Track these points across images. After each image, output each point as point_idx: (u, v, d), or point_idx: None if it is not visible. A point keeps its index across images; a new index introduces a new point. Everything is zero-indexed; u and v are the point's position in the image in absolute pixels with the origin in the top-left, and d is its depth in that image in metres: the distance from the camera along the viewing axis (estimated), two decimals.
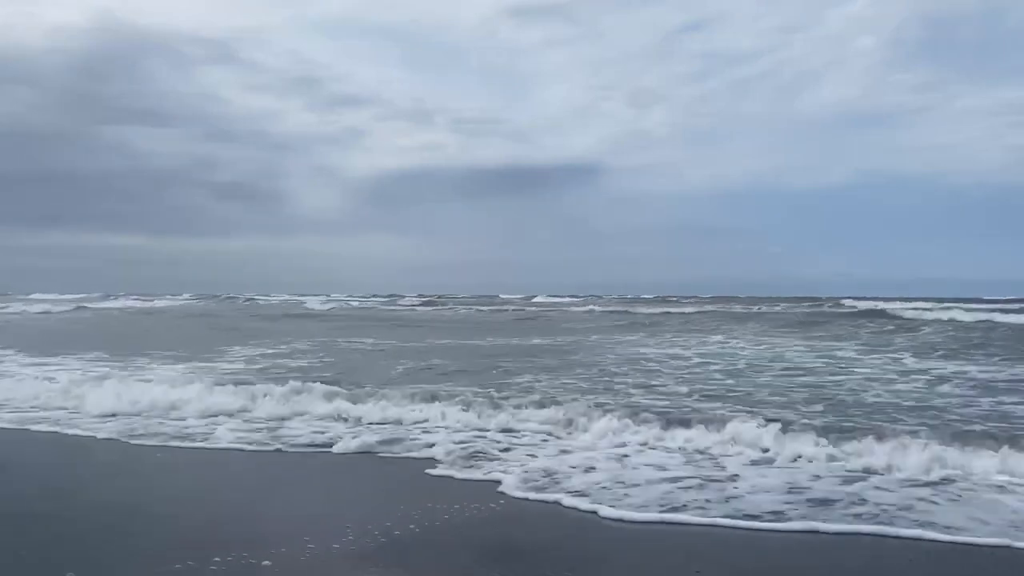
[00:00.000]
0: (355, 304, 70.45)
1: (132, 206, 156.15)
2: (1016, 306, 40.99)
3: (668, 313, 45.22)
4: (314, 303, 66.81)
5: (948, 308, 39.67)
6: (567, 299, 79.24)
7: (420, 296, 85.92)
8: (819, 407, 11.42)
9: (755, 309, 48.59)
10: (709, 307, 52.56)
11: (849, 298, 59.46)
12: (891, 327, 30.84)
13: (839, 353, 20.42)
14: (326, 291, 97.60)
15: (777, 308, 49.98)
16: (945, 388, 13.53)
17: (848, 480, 7.51)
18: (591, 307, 57.05)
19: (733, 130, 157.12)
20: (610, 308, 54.98)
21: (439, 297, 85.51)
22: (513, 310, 56.04)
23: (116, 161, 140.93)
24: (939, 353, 20.25)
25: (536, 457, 8.54)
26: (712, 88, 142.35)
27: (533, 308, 58.50)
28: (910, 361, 18.26)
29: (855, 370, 16.45)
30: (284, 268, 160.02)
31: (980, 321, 31.83)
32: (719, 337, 26.75)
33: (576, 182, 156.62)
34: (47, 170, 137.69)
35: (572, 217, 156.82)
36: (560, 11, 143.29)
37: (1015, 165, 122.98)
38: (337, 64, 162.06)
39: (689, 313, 44.70)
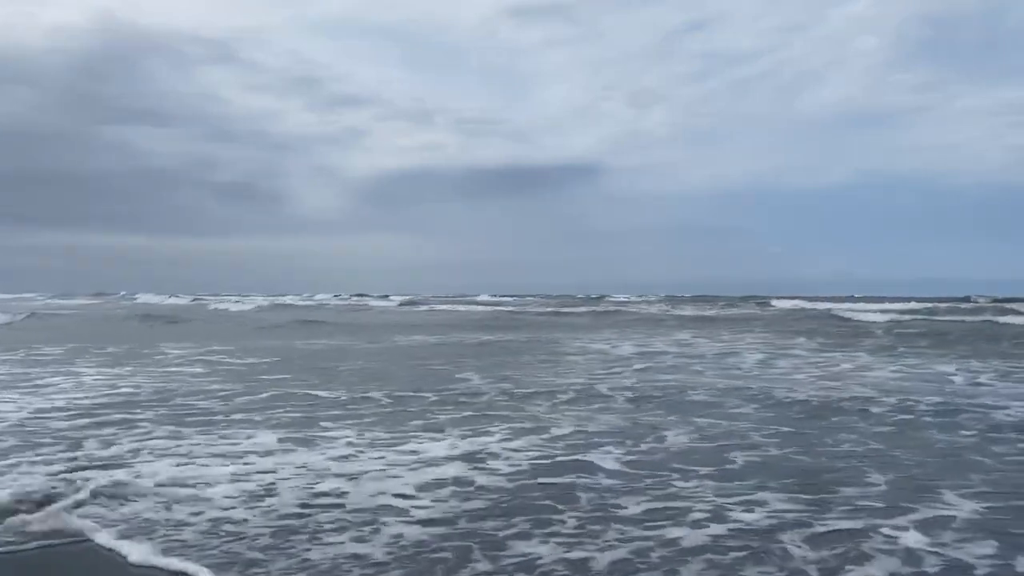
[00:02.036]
0: (286, 303, 66.80)
1: (132, 206, 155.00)
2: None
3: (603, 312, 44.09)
4: (227, 304, 60.67)
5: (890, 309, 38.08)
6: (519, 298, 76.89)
7: (403, 296, 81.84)
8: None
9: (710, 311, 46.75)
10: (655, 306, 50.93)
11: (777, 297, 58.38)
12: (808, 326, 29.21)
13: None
14: (316, 292, 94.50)
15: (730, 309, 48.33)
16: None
17: None
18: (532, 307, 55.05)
19: (733, 130, 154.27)
20: (549, 308, 53.13)
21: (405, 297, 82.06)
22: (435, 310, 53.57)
23: (116, 161, 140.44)
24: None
25: None
26: (712, 88, 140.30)
27: (488, 308, 55.85)
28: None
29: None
30: (283, 268, 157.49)
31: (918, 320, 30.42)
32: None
33: (576, 182, 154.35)
34: (47, 170, 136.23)
35: (572, 217, 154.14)
36: (560, 11, 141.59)
37: (1015, 165, 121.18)
38: (337, 64, 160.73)
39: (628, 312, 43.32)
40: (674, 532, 5.37)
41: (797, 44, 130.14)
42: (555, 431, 8.75)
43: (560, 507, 5.91)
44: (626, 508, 5.91)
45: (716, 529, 5.44)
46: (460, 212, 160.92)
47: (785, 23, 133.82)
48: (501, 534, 5.32)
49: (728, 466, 7.21)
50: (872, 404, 10.54)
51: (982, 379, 13.66)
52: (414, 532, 5.38)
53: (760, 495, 6.24)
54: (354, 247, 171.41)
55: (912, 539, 5.24)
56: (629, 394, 11.38)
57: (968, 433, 8.71)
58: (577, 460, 7.39)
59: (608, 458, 7.43)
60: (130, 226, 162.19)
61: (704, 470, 7.02)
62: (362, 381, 13.24)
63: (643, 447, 7.96)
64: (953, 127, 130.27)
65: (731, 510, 5.84)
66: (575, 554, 4.96)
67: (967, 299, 54.31)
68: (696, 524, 5.53)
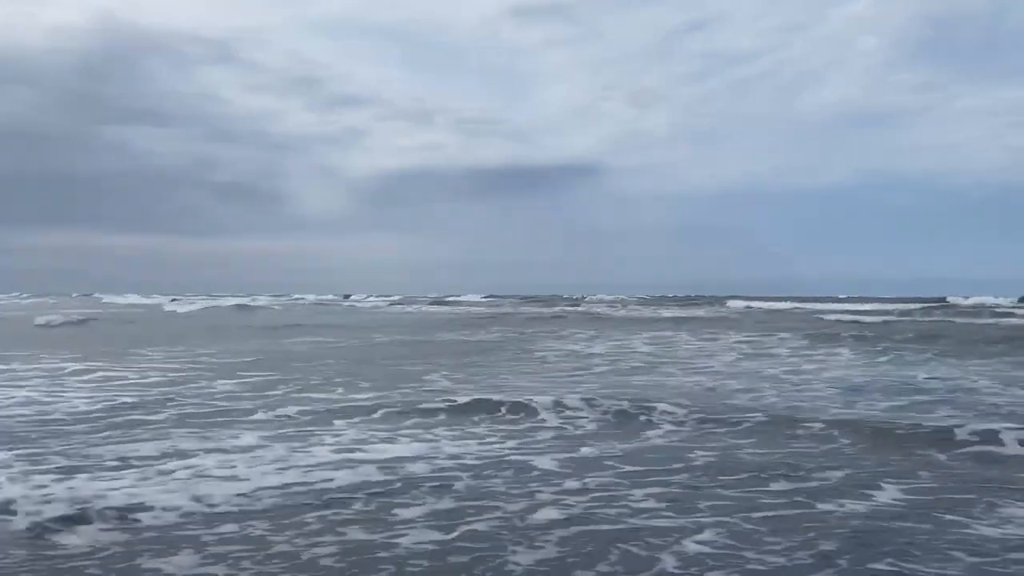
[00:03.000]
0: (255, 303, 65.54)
1: (132, 206, 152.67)
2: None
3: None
4: (175, 306, 56.45)
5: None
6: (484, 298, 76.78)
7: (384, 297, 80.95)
8: None
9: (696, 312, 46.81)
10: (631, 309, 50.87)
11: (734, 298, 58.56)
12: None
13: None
14: (304, 292, 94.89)
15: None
16: None
17: None
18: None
19: (733, 130, 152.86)
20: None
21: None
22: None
23: (116, 161, 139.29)
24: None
25: None
26: (712, 88, 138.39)
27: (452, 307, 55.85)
28: None
29: None
30: (283, 268, 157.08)
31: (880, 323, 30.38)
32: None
33: (576, 182, 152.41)
34: (47, 170, 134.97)
35: (572, 217, 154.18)
36: (560, 11, 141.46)
37: (1015, 165, 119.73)
38: (337, 64, 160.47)
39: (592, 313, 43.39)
40: (417, 536, 4.97)
41: (797, 44, 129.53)
42: (514, 432, 8.55)
43: (348, 509, 5.52)
44: (407, 510, 5.50)
45: (473, 528, 5.10)
46: (460, 212, 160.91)
47: (785, 23, 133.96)
48: (221, 537, 4.95)
49: (665, 466, 6.95)
50: (840, 405, 10.46)
51: (958, 379, 13.47)
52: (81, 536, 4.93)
53: (634, 491, 6.00)
54: (354, 247, 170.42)
55: (709, 539, 4.95)
56: (596, 395, 11.20)
57: (923, 430, 8.48)
58: (512, 459, 7.14)
59: (546, 459, 7.17)
60: (129, 226, 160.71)
61: (628, 468, 6.81)
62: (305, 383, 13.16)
63: (594, 448, 7.72)
64: (953, 127, 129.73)
65: (550, 506, 5.55)
66: (215, 569, 4.48)
67: (943, 300, 54.65)
68: (455, 527, 5.12)
